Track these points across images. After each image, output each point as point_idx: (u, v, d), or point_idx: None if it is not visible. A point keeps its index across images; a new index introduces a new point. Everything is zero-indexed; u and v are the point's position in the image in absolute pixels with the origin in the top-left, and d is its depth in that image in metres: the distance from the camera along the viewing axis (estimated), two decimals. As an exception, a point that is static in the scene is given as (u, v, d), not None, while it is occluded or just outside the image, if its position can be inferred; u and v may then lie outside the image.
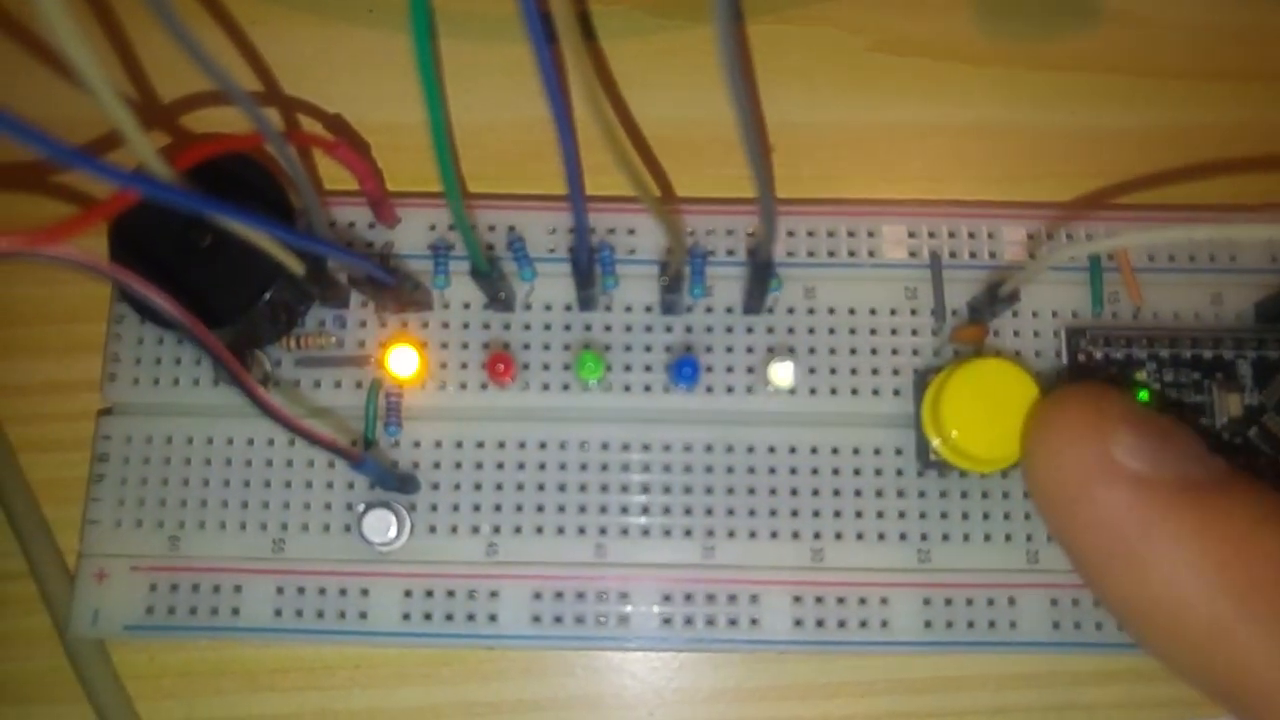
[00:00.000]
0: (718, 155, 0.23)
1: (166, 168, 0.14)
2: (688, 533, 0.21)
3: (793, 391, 0.21)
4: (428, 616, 0.20)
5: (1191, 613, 0.14)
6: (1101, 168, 0.24)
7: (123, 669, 0.21)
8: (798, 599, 0.20)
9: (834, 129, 0.24)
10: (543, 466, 0.21)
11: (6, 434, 0.22)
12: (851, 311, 0.22)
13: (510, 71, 0.24)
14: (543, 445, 0.21)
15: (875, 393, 0.21)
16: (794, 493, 0.21)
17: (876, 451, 0.21)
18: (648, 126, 0.24)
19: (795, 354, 0.21)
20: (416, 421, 0.21)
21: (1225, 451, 0.20)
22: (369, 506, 0.20)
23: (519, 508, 0.21)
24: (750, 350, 0.21)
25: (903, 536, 0.21)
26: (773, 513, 0.21)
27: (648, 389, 0.21)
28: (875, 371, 0.21)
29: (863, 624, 0.20)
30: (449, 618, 0.20)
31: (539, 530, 0.21)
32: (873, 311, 0.22)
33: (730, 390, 0.21)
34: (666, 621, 0.20)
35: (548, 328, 0.21)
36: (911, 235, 0.22)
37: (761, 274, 0.20)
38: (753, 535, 0.21)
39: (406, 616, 0.20)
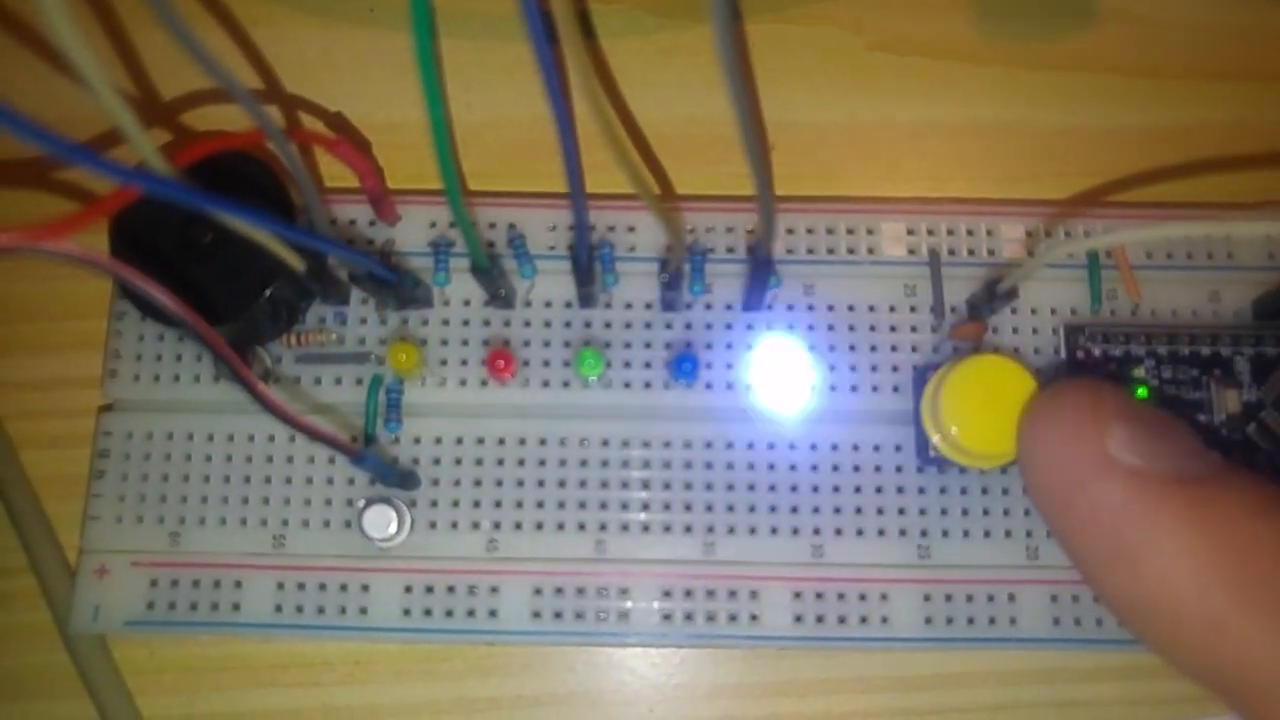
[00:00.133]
0: (718, 153, 0.23)
1: (167, 164, 0.14)
2: (688, 529, 0.21)
3: (790, 389, 0.21)
4: (428, 612, 0.20)
5: (1188, 606, 0.14)
6: (1100, 166, 0.24)
7: (123, 664, 0.21)
8: (798, 595, 0.20)
9: (834, 127, 0.24)
10: (543, 463, 0.21)
11: (7, 430, 0.22)
12: (851, 308, 0.22)
13: (511, 70, 0.24)
14: (543, 442, 0.21)
15: (875, 389, 0.21)
16: (794, 489, 0.21)
17: (876, 448, 0.21)
18: (648, 124, 0.24)
19: (793, 351, 0.21)
20: (417, 418, 0.21)
21: (1223, 448, 0.20)
22: (369, 502, 0.20)
23: (519, 504, 0.21)
24: (750, 347, 0.21)
25: (903, 533, 0.21)
26: (773, 509, 0.21)
27: (648, 386, 0.21)
28: (874, 368, 0.21)
29: (863, 620, 0.20)
30: (449, 613, 0.20)
31: (539, 526, 0.21)
32: (872, 309, 0.22)
33: (729, 387, 0.21)
34: (667, 618, 0.20)
35: (548, 325, 0.22)
36: (911, 233, 0.22)
37: (761, 271, 0.20)
38: (753, 531, 0.21)
39: (407, 612, 0.20)
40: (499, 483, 0.21)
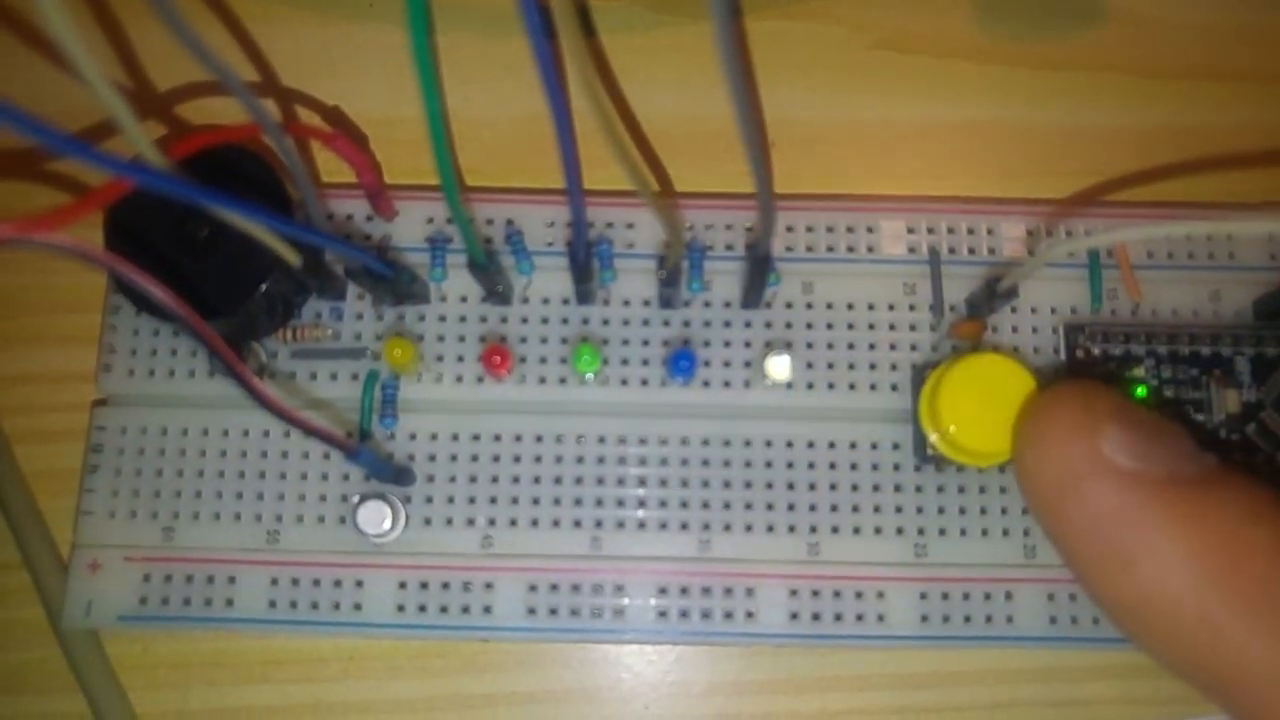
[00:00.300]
0: (717, 150, 0.23)
1: (162, 157, 0.14)
2: (684, 526, 0.21)
3: (790, 386, 0.21)
4: (422, 608, 0.20)
5: (1180, 608, 0.14)
6: (1100, 165, 0.24)
7: (116, 660, 0.21)
8: (794, 593, 0.20)
9: (834, 125, 0.24)
10: (539, 459, 0.21)
11: (1, 425, 0.22)
12: (850, 306, 0.22)
13: (509, 66, 0.24)
14: (539, 438, 0.21)
15: (873, 387, 0.21)
16: (790, 487, 0.21)
17: (874, 446, 0.21)
18: (647, 121, 0.24)
19: (793, 348, 0.21)
20: (412, 414, 0.21)
21: (1223, 448, 0.21)
22: (364, 498, 0.20)
23: (514, 500, 0.21)
24: (748, 344, 0.21)
25: (900, 531, 0.21)
26: (769, 506, 0.21)
27: (645, 383, 0.21)
28: (873, 366, 0.21)
29: (859, 618, 0.20)
30: (443, 610, 0.20)
31: (534, 523, 0.21)
32: (871, 307, 0.22)
33: (727, 384, 0.21)
34: (662, 615, 0.20)
35: (545, 321, 0.21)
36: (910, 231, 0.22)
37: (760, 268, 0.20)
38: (749, 529, 0.21)
39: (401, 608, 0.20)
40: (494, 479, 0.21)
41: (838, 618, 0.20)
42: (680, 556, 0.21)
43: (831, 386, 0.21)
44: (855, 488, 0.21)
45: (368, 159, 0.20)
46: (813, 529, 0.21)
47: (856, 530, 0.21)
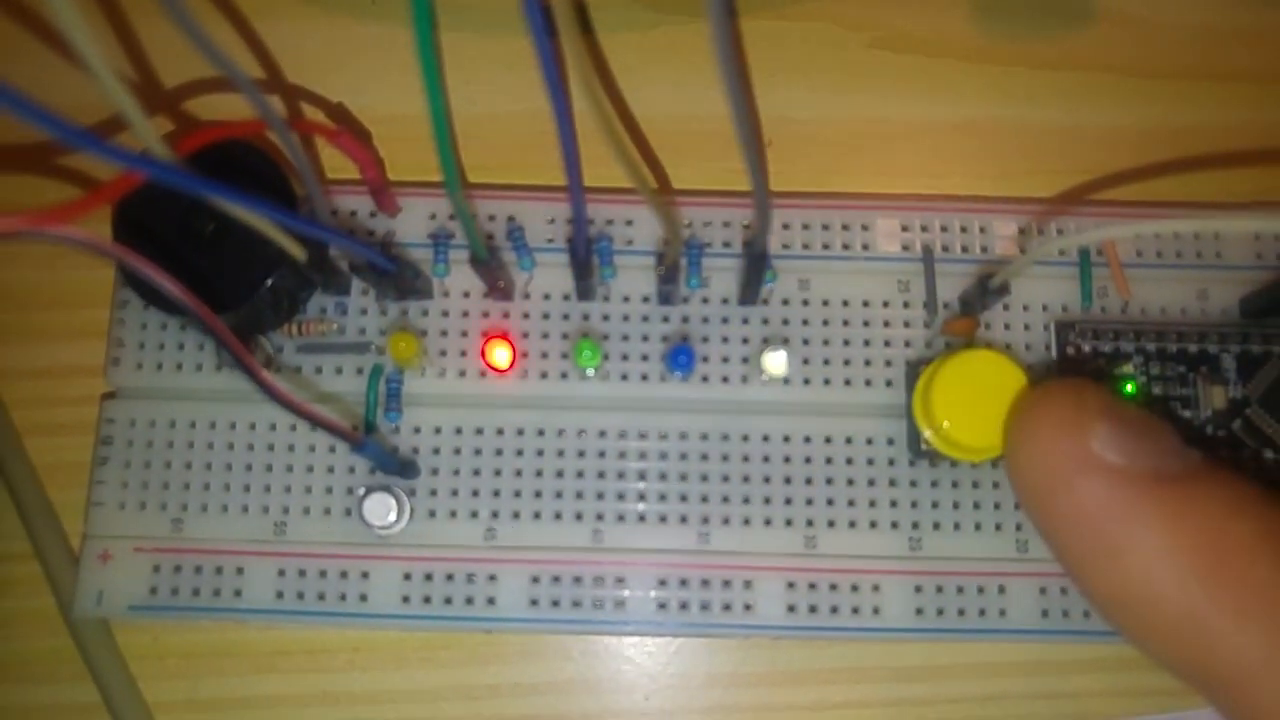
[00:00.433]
0: (715, 149, 0.24)
1: (170, 151, 0.14)
2: (683, 519, 0.21)
3: (787, 381, 0.21)
4: (427, 600, 0.21)
5: (1166, 602, 0.14)
6: (1093, 165, 0.24)
7: (126, 649, 0.22)
8: (791, 585, 0.21)
9: (830, 124, 0.24)
10: (541, 453, 0.21)
11: (11, 418, 0.23)
12: (845, 303, 0.22)
13: (511, 64, 0.24)
14: (541, 432, 0.21)
15: (868, 383, 0.21)
16: (788, 481, 0.21)
17: (869, 441, 0.21)
18: (645, 119, 0.24)
19: (789, 344, 0.21)
20: (416, 407, 0.21)
21: (1209, 444, 0.21)
22: (369, 490, 0.20)
23: (517, 493, 0.21)
24: (745, 340, 0.22)
25: (894, 525, 0.21)
26: (767, 500, 0.21)
27: (644, 378, 0.21)
28: (868, 362, 0.21)
29: (855, 611, 0.21)
30: (448, 601, 0.21)
31: (537, 516, 0.21)
32: (866, 303, 0.22)
33: (725, 379, 0.21)
34: (662, 606, 0.21)
35: (546, 317, 0.22)
36: (905, 229, 0.22)
37: (757, 266, 0.20)
38: (747, 522, 0.21)
39: (406, 599, 0.21)
40: (497, 472, 0.21)
41: (833, 610, 0.21)
42: (680, 549, 0.21)
43: (827, 382, 0.21)
44: (851, 482, 0.21)
45: (371, 155, 0.21)
46: (809, 522, 0.21)
47: (852, 524, 0.21)
